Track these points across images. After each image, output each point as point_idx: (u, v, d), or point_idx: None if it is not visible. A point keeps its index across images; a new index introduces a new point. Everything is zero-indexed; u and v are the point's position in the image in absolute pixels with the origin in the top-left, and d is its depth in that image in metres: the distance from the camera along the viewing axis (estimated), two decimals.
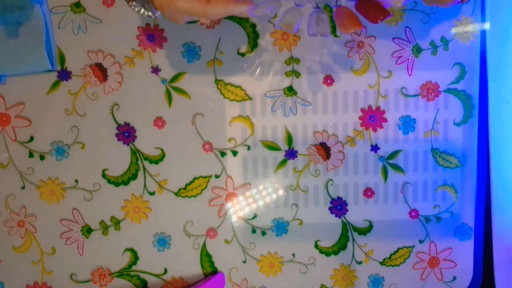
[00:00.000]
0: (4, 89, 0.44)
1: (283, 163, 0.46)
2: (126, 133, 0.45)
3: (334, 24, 0.44)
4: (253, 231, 0.47)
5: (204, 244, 0.47)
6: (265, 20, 0.36)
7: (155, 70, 0.45)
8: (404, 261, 0.48)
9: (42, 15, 0.42)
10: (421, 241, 0.48)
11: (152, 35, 0.44)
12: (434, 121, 0.46)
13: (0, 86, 0.44)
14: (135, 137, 0.45)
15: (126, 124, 0.45)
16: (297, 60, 0.45)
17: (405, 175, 0.47)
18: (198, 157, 0.46)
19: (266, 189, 0.47)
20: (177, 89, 0.45)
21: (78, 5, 0.43)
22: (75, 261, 0.46)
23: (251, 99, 0.45)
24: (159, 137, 0.45)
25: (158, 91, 0.45)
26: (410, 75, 0.46)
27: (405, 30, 0.45)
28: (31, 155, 0.45)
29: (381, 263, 0.48)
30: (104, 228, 0.46)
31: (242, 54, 0.45)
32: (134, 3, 0.31)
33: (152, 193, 0.46)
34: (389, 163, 0.47)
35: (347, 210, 0.47)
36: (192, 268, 0.47)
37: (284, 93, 0.46)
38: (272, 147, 0.46)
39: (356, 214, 0.47)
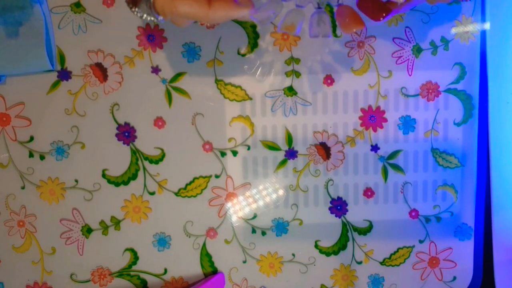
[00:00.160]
0: (4, 89, 0.44)
1: (283, 163, 0.46)
2: (126, 133, 0.45)
3: (334, 24, 0.44)
4: (253, 231, 0.47)
5: (204, 244, 0.47)
6: (266, 23, 0.36)
7: (155, 70, 0.45)
8: (404, 261, 0.48)
9: (42, 15, 0.42)
10: (421, 241, 0.48)
11: (152, 35, 0.44)
12: (434, 121, 0.46)
13: (0, 86, 0.44)
14: (135, 137, 0.45)
15: (126, 124, 0.45)
16: (297, 60, 0.45)
17: (405, 175, 0.47)
18: (198, 157, 0.46)
19: (266, 189, 0.47)
20: (177, 89, 0.45)
21: (78, 5, 0.43)
22: (75, 261, 0.46)
23: (251, 99, 0.45)
24: (159, 137, 0.45)
25: (158, 91, 0.45)
26: (410, 75, 0.46)
27: (405, 30, 0.45)
28: (31, 155, 0.45)
29: (381, 263, 0.48)
30: (104, 228, 0.46)
31: (242, 54, 0.45)
32: (136, 9, 0.32)
33: (152, 193, 0.46)
34: (389, 163, 0.47)
35: (347, 210, 0.47)
36: (192, 268, 0.47)
37: (284, 93, 0.46)
38: (272, 147, 0.46)
39: (356, 214, 0.47)
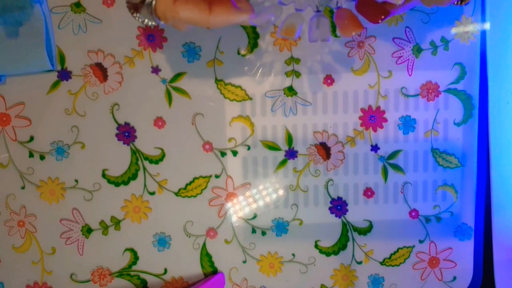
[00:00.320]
0: (4, 89, 0.44)
1: (283, 163, 0.46)
2: (126, 133, 0.45)
3: (334, 24, 0.44)
4: (253, 231, 0.47)
5: (204, 244, 0.47)
6: (266, 28, 0.36)
7: (155, 70, 0.45)
8: (404, 261, 0.48)
9: (42, 15, 0.42)
10: (421, 241, 0.48)
11: (152, 35, 0.44)
12: (434, 121, 0.46)
13: (0, 86, 0.44)
14: (135, 137, 0.45)
15: (126, 124, 0.45)
16: (297, 60, 0.45)
17: (405, 175, 0.47)
18: (198, 157, 0.46)
19: (266, 189, 0.47)
20: (177, 89, 0.45)
21: (78, 5, 0.43)
22: (75, 261, 0.46)
23: (251, 99, 0.45)
24: (159, 137, 0.45)
25: (158, 91, 0.45)
26: (410, 75, 0.46)
27: (405, 30, 0.45)
28: (31, 155, 0.45)
29: (381, 263, 0.48)
30: (104, 228, 0.46)
31: (243, 55, 0.45)
32: (138, 14, 0.32)
33: (152, 193, 0.46)
34: (389, 163, 0.47)
35: (347, 210, 0.47)
36: (192, 268, 0.47)
37: (284, 93, 0.46)
38: (272, 147, 0.46)
39: (356, 214, 0.47)
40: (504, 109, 0.46)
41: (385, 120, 0.46)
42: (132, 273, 0.47)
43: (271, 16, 0.36)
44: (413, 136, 0.46)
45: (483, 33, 0.45)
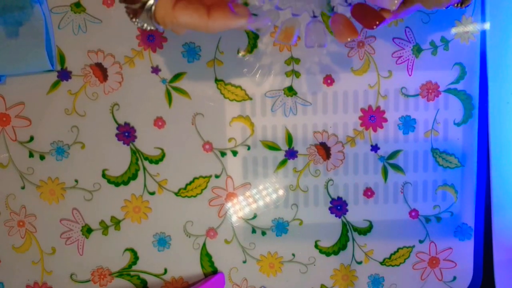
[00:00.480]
0: (4, 89, 0.44)
1: (283, 163, 0.46)
2: (126, 133, 0.45)
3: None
4: (253, 231, 0.47)
5: (204, 244, 0.47)
6: (265, 33, 0.37)
7: (155, 70, 0.45)
8: (404, 261, 0.48)
9: (42, 15, 0.42)
10: (421, 241, 0.48)
11: (152, 35, 0.44)
12: (434, 121, 0.46)
13: (0, 86, 0.44)
14: (135, 137, 0.45)
15: (126, 124, 0.45)
16: (297, 60, 0.45)
17: (405, 175, 0.47)
18: (198, 157, 0.46)
19: (266, 189, 0.47)
20: (177, 89, 0.45)
21: (78, 5, 0.43)
22: (75, 261, 0.46)
23: (251, 99, 0.45)
24: (159, 137, 0.45)
25: (158, 91, 0.45)
26: (410, 75, 0.46)
27: (405, 30, 0.45)
28: (31, 155, 0.45)
29: (381, 263, 0.48)
30: (104, 228, 0.46)
31: (242, 55, 0.45)
32: (137, 19, 0.32)
33: (152, 193, 0.46)
34: (389, 163, 0.47)
35: (347, 210, 0.47)
36: (192, 268, 0.47)
37: (284, 93, 0.46)
38: (272, 147, 0.46)
39: (356, 214, 0.47)
40: (504, 109, 0.46)
41: (385, 120, 0.46)
42: (132, 273, 0.47)
43: (268, 20, 0.36)
44: (413, 136, 0.46)
45: (483, 33, 0.45)
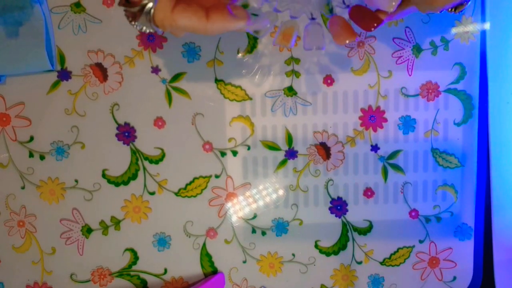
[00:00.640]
0: (4, 89, 0.44)
1: (283, 163, 0.46)
2: (126, 133, 0.45)
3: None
4: (253, 231, 0.47)
5: (204, 244, 0.47)
6: (263, 35, 0.37)
7: (155, 70, 0.45)
8: (404, 261, 0.48)
9: (42, 15, 0.42)
10: (421, 241, 0.48)
11: (152, 35, 0.44)
12: (434, 121, 0.46)
13: (0, 86, 0.44)
14: (135, 137, 0.45)
15: (126, 124, 0.45)
16: (297, 60, 0.45)
17: (405, 175, 0.47)
18: (198, 157, 0.46)
19: (266, 189, 0.47)
20: (177, 89, 0.45)
21: (78, 5, 0.43)
22: (75, 261, 0.46)
23: (251, 99, 0.45)
24: (159, 137, 0.45)
25: (158, 91, 0.45)
26: (410, 75, 0.46)
27: (405, 30, 0.45)
28: (31, 155, 0.45)
29: (381, 263, 0.48)
30: (104, 228, 0.46)
31: (242, 55, 0.45)
32: (136, 23, 0.32)
33: (152, 193, 0.46)
34: (389, 163, 0.47)
35: (347, 210, 0.47)
36: (192, 268, 0.47)
37: (284, 93, 0.46)
38: (272, 147, 0.46)
39: (356, 214, 0.47)
40: (504, 109, 0.46)
41: (385, 120, 0.46)
42: (132, 273, 0.47)
43: (267, 23, 0.36)
44: (413, 136, 0.46)
45: (483, 33, 0.45)
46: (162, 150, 0.46)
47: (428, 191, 0.47)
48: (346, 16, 0.36)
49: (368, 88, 0.46)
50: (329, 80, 0.45)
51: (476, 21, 0.45)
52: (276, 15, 0.37)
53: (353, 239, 0.48)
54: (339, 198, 0.47)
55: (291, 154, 0.46)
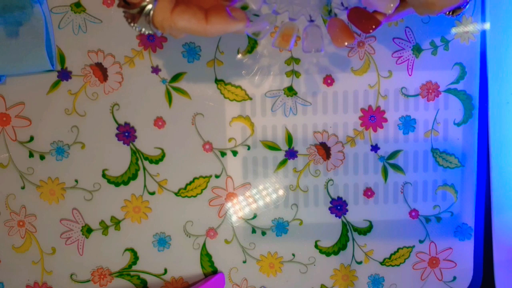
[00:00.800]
0: (4, 89, 0.44)
1: (283, 163, 0.46)
2: (126, 133, 0.45)
3: None
4: (253, 231, 0.47)
5: (204, 244, 0.47)
6: (262, 38, 0.37)
7: (155, 70, 0.45)
8: (404, 261, 0.48)
9: (42, 15, 0.42)
10: (421, 241, 0.48)
11: (152, 35, 0.44)
12: (434, 121, 0.46)
13: (0, 86, 0.44)
14: (135, 137, 0.45)
15: (126, 124, 0.45)
16: (297, 60, 0.45)
17: (405, 175, 0.47)
18: (198, 157, 0.46)
19: (266, 189, 0.47)
20: (177, 89, 0.45)
21: (78, 5, 0.43)
22: (75, 261, 0.46)
23: (251, 99, 0.45)
24: (159, 137, 0.45)
25: (158, 91, 0.45)
26: (410, 75, 0.46)
27: (405, 30, 0.45)
28: (31, 155, 0.45)
29: (381, 263, 0.48)
30: (104, 228, 0.46)
31: (243, 55, 0.45)
32: (135, 24, 0.32)
33: (152, 193, 0.46)
34: (389, 163, 0.47)
35: (347, 210, 0.47)
36: (192, 268, 0.47)
37: (284, 93, 0.46)
38: (272, 147, 0.46)
39: (356, 214, 0.47)
40: (504, 109, 0.46)
41: (385, 120, 0.46)
42: (132, 273, 0.47)
43: (266, 25, 0.36)
44: (413, 136, 0.46)
45: (483, 33, 0.45)
46: (162, 150, 0.46)
47: (428, 191, 0.47)
48: (344, 18, 0.36)
49: (368, 88, 0.46)
50: (329, 80, 0.45)
51: (476, 21, 0.45)
52: (275, 17, 0.37)
53: (353, 239, 0.48)
54: (339, 198, 0.47)
55: (291, 154, 0.46)
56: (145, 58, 0.44)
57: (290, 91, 0.45)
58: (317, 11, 0.37)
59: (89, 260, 0.47)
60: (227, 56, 0.45)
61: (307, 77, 0.45)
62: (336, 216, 0.47)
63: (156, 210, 0.46)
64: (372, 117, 0.46)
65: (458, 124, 0.46)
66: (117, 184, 0.46)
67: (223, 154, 0.46)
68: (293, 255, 0.48)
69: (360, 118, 0.46)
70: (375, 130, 0.46)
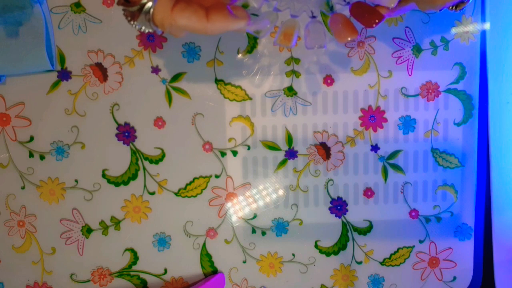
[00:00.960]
0: (4, 89, 0.44)
1: (283, 163, 0.46)
2: (126, 133, 0.45)
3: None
4: (253, 231, 0.47)
5: (204, 244, 0.47)
6: (263, 35, 0.37)
7: (155, 70, 0.45)
8: (404, 261, 0.48)
9: (42, 15, 0.42)
10: (421, 241, 0.48)
11: (152, 35, 0.44)
12: (434, 121, 0.46)
13: (0, 86, 0.44)
14: (135, 137, 0.45)
15: (126, 124, 0.45)
16: (297, 60, 0.45)
17: (405, 175, 0.47)
18: (198, 157, 0.46)
19: (266, 189, 0.47)
20: (177, 89, 0.45)
21: (78, 5, 0.43)
22: (75, 261, 0.46)
23: (251, 99, 0.45)
24: (159, 137, 0.45)
25: (158, 91, 0.45)
26: (410, 75, 0.46)
27: (405, 30, 0.45)
28: (31, 155, 0.45)
29: (381, 263, 0.48)
30: (104, 228, 0.46)
31: (243, 55, 0.45)
32: (135, 22, 0.32)
33: (152, 193, 0.46)
34: (389, 163, 0.47)
35: (347, 210, 0.47)
36: (192, 268, 0.47)
37: (284, 93, 0.46)
38: (272, 147, 0.46)
39: (356, 214, 0.47)
40: (504, 109, 0.46)
41: (385, 120, 0.46)
42: (132, 273, 0.47)
43: (267, 23, 0.36)
44: (413, 136, 0.46)
45: (483, 33, 0.45)
46: (162, 150, 0.46)
47: (428, 191, 0.47)
48: (346, 13, 0.35)
49: (368, 88, 0.46)
50: (329, 80, 0.45)
51: (476, 21, 0.45)
52: (276, 14, 0.37)
53: (353, 239, 0.48)
54: (339, 198, 0.47)
55: (291, 154, 0.46)
56: (145, 58, 0.44)
57: (290, 91, 0.45)
58: (318, 7, 0.37)
59: (89, 260, 0.47)
60: (227, 56, 0.45)
61: (307, 77, 0.45)
62: (336, 216, 0.47)
63: (156, 210, 0.46)
64: (372, 117, 0.46)
65: (458, 124, 0.46)
66: (117, 184, 0.46)
67: (223, 154, 0.46)
68: (293, 255, 0.48)
69: (360, 118, 0.46)
70: (375, 130, 0.46)
